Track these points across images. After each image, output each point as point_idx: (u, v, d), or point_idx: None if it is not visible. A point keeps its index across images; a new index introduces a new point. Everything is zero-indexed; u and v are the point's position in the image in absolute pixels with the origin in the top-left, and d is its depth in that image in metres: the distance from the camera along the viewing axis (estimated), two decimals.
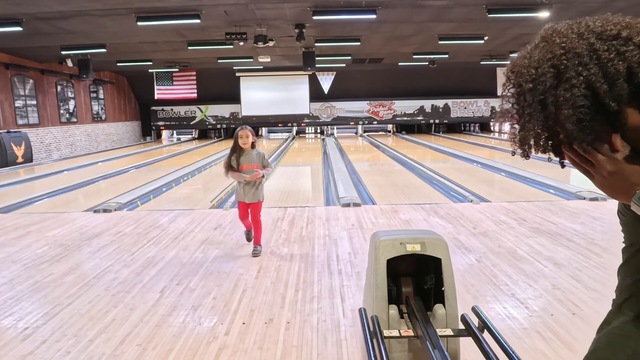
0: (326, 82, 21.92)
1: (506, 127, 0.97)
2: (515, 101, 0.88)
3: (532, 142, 0.89)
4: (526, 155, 0.92)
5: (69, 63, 14.63)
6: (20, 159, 13.74)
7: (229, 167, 4.51)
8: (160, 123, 22.90)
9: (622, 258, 1.02)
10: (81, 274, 4.13)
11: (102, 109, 19.69)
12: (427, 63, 17.98)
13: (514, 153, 0.95)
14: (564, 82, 0.80)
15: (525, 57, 0.87)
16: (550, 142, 0.87)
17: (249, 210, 4.59)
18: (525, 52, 0.89)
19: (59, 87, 16.71)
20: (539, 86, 0.83)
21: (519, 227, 5.35)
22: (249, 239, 4.79)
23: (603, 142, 0.82)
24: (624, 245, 1.01)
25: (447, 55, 16.24)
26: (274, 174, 10.94)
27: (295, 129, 23.44)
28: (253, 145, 4.54)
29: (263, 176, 4.48)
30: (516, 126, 0.91)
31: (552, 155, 0.92)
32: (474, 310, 2.35)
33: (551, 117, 0.82)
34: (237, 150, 4.50)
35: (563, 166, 0.94)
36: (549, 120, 0.83)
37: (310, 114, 22.94)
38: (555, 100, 0.81)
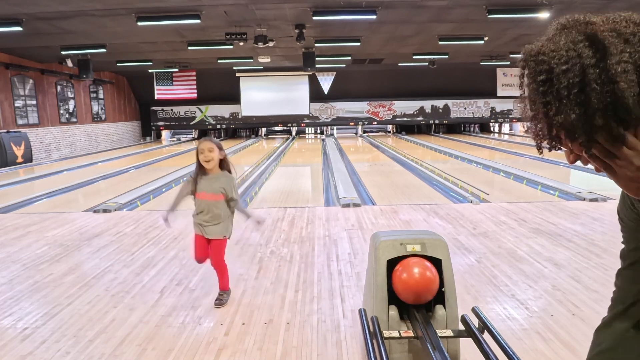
0: (326, 82, 21.92)
1: (526, 122, 0.90)
2: (542, 89, 0.82)
3: (568, 128, 0.81)
4: (554, 146, 0.86)
5: (69, 63, 14.63)
6: (20, 159, 13.74)
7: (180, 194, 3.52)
8: (160, 123, 22.90)
9: (623, 262, 1.00)
10: (81, 274, 4.13)
11: (102, 109, 19.68)
12: (427, 63, 17.98)
13: (539, 148, 0.89)
14: (611, 56, 0.77)
15: (548, 43, 0.83)
16: (586, 126, 0.80)
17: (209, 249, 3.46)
18: (542, 41, 0.85)
19: (58, 87, 16.71)
20: (574, 66, 0.78)
21: (519, 227, 5.35)
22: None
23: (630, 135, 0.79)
24: (624, 248, 1.00)
25: (447, 56, 16.25)
26: (274, 174, 10.93)
27: (295, 129, 23.44)
28: (223, 166, 3.42)
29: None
30: (537, 118, 0.85)
31: (571, 151, 0.86)
32: (474, 311, 2.35)
33: (595, 96, 0.77)
34: (198, 170, 3.43)
35: (578, 159, 0.87)
36: (591, 99, 0.78)
37: (310, 115, 22.94)
38: (599, 76, 0.77)
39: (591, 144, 0.81)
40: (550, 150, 0.88)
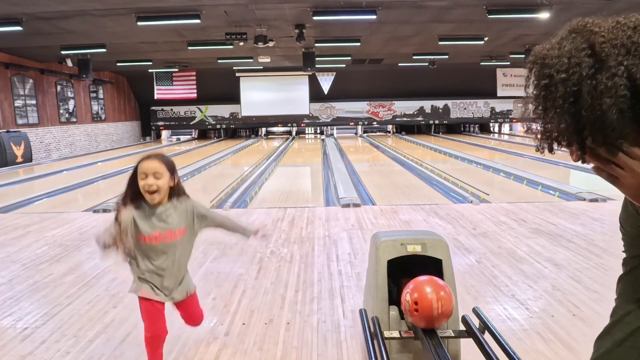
0: (326, 82, 21.92)
1: (529, 122, 0.92)
2: (543, 93, 0.84)
3: (557, 136, 0.85)
4: (550, 149, 0.89)
5: (69, 63, 14.63)
6: (19, 159, 13.73)
7: (116, 237, 2.21)
8: (160, 123, 22.89)
9: (624, 268, 1.00)
10: (81, 274, 4.13)
11: (101, 108, 19.68)
12: (427, 64, 17.99)
13: (538, 149, 0.91)
14: (605, 70, 0.78)
15: (553, 48, 0.84)
16: (576, 136, 0.83)
17: (180, 312, 2.57)
18: (551, 43, 0.86)
19: (58, 87, 16.70)
20: (573, 76, 0.80)
21: (519, 227, 5.35)
22: None
23: (630, 143, 0.79)
24: (625, 256, 1.00)
25: (447, 56, 16.25)
26: (274, 174, 10.93)
27: (295, 129, 23.44)
28: (173, 193, 2.35)
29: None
30: (539, 120, 0.87)
31: (574, 150, 0.87)
32: (474, 311, 2.35)
33: (586, 108, 0.79)
34: (134, 198, 2.28)
35: (584, 161, 0.88)
36: (582, 112, 0.80)
37: (310, 115, 22.94)
38: (594, 89, 0.78)
39: (584, 155, 0.84)
40: (551, 151, 0.89)
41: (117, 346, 2.83)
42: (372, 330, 2.18)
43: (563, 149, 0.89)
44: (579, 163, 0.88)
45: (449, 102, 23.03)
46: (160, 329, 2.40)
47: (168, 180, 2.31)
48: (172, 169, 2.35)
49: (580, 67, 0.79)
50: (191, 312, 2.59)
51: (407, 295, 2.11)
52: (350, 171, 10.55)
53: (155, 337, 2.39)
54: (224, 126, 22.93)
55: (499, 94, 22.28)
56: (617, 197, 6.71)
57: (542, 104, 0.85)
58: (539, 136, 0.89)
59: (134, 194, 2.29)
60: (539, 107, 0.86)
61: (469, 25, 11.65)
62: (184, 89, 21.04)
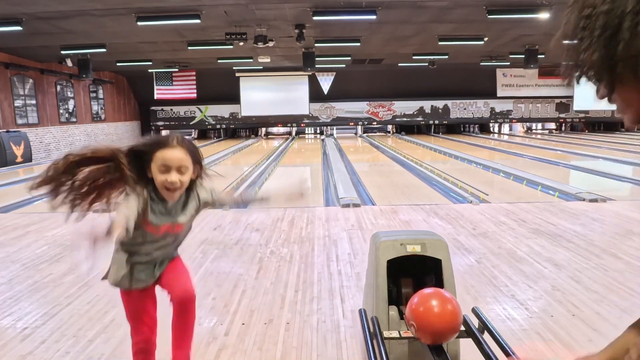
0: (326, 82, 21.92)
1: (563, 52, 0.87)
2: (582, 23, 0.81)
3: (588, 68, 0.81)
4: (578, 80, 0.85)
5: (69, 63, 14.63)
6: (19, 159, 13.73)
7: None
8: (160, 123, 22.88)
9: None
10: (80, 274, 4.12)
11: (101, 108, 19.68)
12: (427, 64, 17.99)
13: (565, 78, 0.87)
14: None
15: None
16: (608, 71, 0.79)
17: (167, 286, 2.10)
18: None
19: (58, 87, 16.70)
20: (617, 9, 0.76)
21: (519, 228, 5.35)
22: None
23: None
24: None
25: (447, 56, 16.25)
26: (273, 174, 10.93)
27: (294, 129, 23.44)
28: (191, 184, 2.05)
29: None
30: (573, 51, 0.83)
31: (602, 87, 0.85)
32: (474, 311, 2.35)
33: (623, 44, 0.75)
34: (144, 188, 1.97)
35: (611, 100, 0.83)
36: (618, 47, 0.76)
37: (310, 115, 22.94)
38: (635, 25, 0.74)
39: (611, 94, 0.80)
40: (578, 82, 0.87)
41: (117, 346, 2.83)
42: (371, 330, 2.18)
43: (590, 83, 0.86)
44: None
45: (449, 102, 23.02)
46: (151, 328, 2.10)
47: (192, 173, 1.98)
48: (197, 159, 1.99)
49: (627, 1, 0.78)
50: (183, 271, 2.13)
51: (412, 327, 2.03)
52: (350, 171, 10.55)
53: (144, 341, 2.09)
54: (223, 126, 22.92)
55: (498, 94, 22.29)
56: (616, 198, 6.71)
57: (580, 33, 0.82)
58: (570, 65, 0.84)
59: (140, 179, 1.92)
60: (575, 36, 0.84)
61: (469, 26, 11.66)
62: (184, 89, 21.04)
